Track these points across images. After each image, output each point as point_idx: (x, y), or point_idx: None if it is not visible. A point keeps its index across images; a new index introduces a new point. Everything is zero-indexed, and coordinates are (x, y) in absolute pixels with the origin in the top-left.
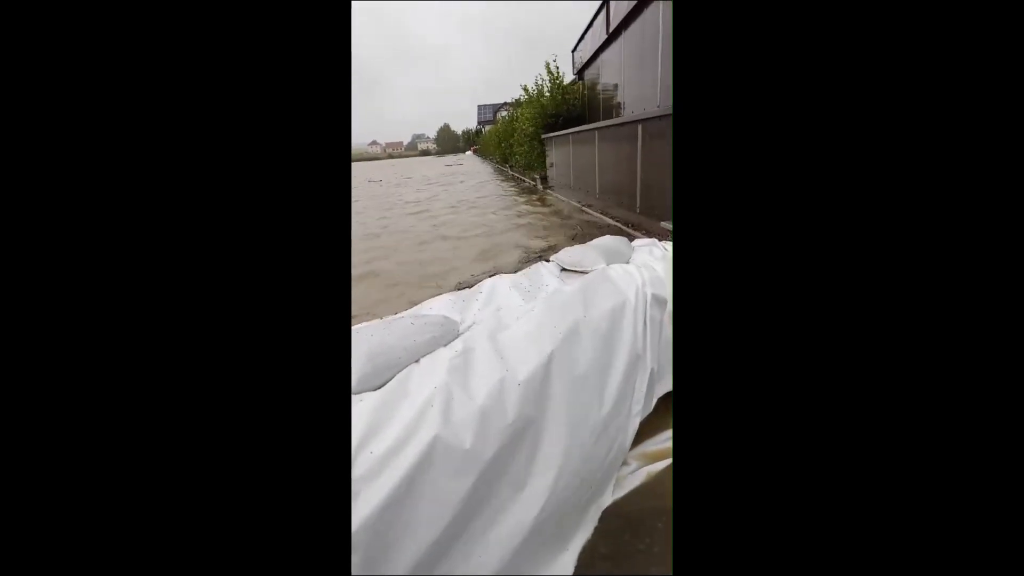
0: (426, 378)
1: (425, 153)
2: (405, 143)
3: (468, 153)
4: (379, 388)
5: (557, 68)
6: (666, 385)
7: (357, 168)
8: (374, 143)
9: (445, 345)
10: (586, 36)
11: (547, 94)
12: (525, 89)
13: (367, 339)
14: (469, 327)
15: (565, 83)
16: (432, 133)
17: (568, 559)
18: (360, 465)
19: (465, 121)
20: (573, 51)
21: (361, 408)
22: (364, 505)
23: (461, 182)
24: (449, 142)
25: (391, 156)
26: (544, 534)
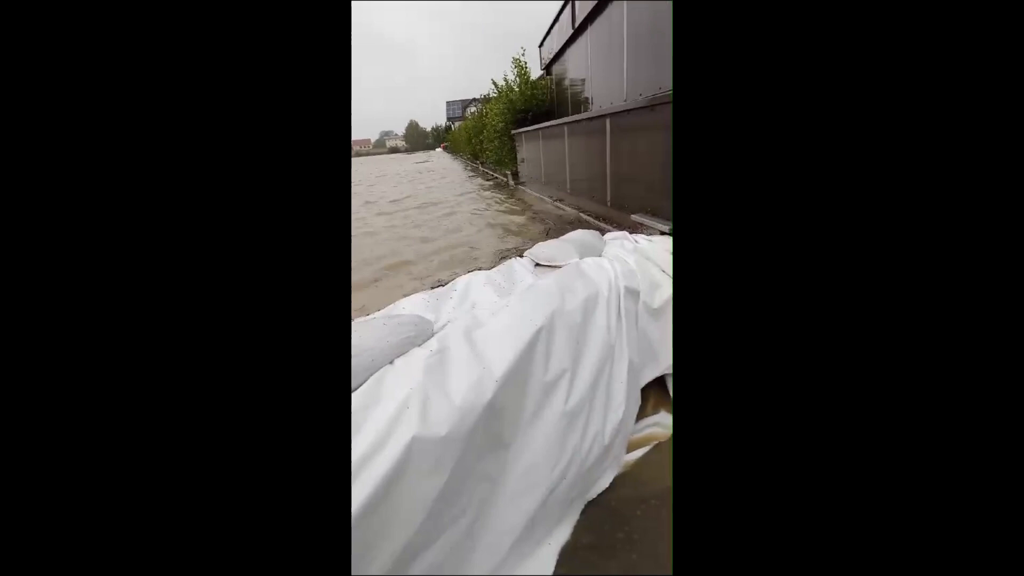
0: (401, 379)
1: (394, 150)
2: (373, 140)
3: (438, 150)
4: (352, 392)
5: (525, 63)
6: (645, 376)
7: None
8: None
9: (420, 345)
10: (553, 31)
11: (516, 89)
12: (495, 84)
13: None
14: (444, 326)
15: (533, 78)
16: (400, 130)
17: (549, 552)
18: None
19: (434, 117)
20: (540, 46)
21: None
22: None
23: (443, 179)
24: (418, 139)
25: (359, 154)
26: (521, 527)
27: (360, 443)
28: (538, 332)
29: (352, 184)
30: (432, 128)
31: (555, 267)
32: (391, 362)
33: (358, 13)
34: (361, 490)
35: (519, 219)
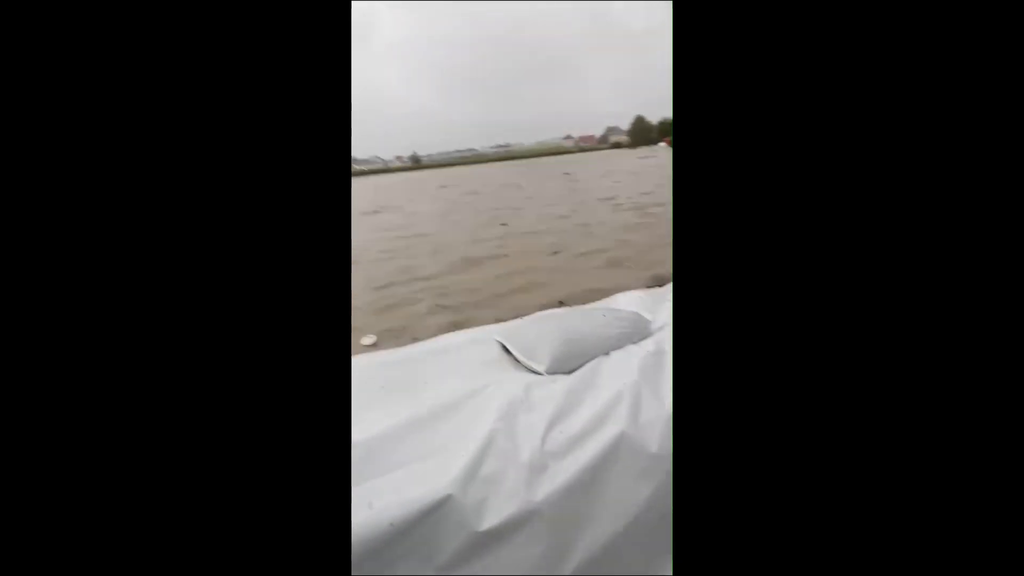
0: (616, 372)
1: (616, 146)
2: (598, 136)
3: (660, 144)
4: (570, 373)
5: None
6: None
7: (553, 162)
8: (568, 137)
9: (636, 343)
10: None
11: None
12: None
13: (563, 323)
14: (660, 327)
15: None
16: (625, 125)
17: None
18: (550, 441)
19: (661, 111)
20: None
21: (554, 388)
22: (553, 478)
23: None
24: (642, 134)
25: (583, 150)
26: None
27: (570, 425)
28: None
29: (580, 183)
30: (659, 121)
31: None
32: (607, 354)
33: (595, 4)
34: (568, 467)
35: None
